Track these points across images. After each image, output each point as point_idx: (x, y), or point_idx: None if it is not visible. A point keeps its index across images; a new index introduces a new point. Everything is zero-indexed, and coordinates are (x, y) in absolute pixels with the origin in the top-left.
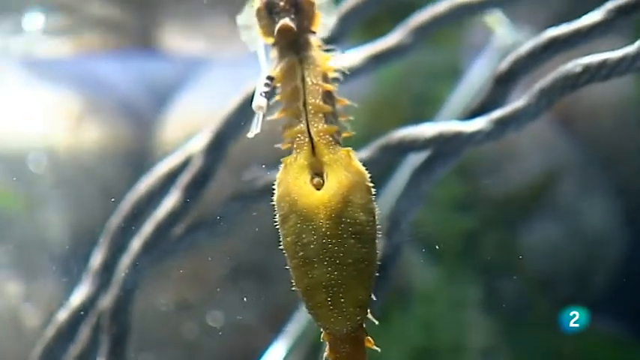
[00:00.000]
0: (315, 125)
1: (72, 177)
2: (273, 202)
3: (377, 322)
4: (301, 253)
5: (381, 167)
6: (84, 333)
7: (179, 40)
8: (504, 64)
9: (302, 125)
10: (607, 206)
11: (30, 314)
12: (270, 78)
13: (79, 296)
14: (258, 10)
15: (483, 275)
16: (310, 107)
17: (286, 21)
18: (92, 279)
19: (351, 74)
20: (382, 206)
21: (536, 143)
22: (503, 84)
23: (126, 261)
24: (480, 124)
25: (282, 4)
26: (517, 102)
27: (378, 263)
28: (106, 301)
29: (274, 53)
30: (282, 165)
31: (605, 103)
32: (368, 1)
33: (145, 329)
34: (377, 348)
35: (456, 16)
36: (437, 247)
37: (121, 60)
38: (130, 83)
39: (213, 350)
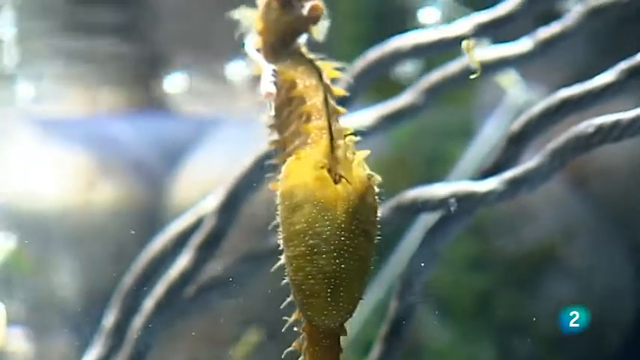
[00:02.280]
0: (334, 124)
1: (84, 236)
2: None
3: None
4: (311, 242)
5: (394, 227)
6: None
7: (191, 99)
8: (517, 124)
9: (320, 121)
10: (620, 265)
11: None
12: (274, 71)
13: (90, 358)
14: (268, 3)
15: (496, 335)
16: (329, 106)
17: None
18: (104, 340)
19: (362, 134)
20: (395, 266)
21: (549, 203)
22: (515, 144)
23: (138, 322)
24: (492, 184)
25: None
26: (530, 162)
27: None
28: None
29: (270, 48)
30: (295, 157)
31: (618, 163)
32: (379, 61)
33: None
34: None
35: (467, 76)
36: (450, 307)
37: (133, 119)
38: (142, 142)
39: None
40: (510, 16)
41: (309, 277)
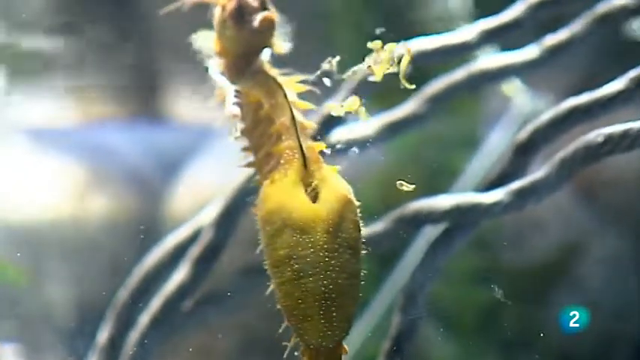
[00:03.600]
0: (304, 141)
1: (77, 249)
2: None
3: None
4: (296, 266)
5: (396, 240)
6: None
7: (188, 108)
8: (523, 134)
9: (291, 141)
10: (631, 279)
11: None
12: (237, 91)
13: None
14: (223, 22)
15: (503, 352)
16: (297, 123)
17: (268, 12)
18: (98, 356)
19: (364, 144)
20: (398, 280)
21: (557, 215)
22: (522, 154)
23: (133, 337)
24: (498, 195)
25: (255, 4)
26: (537, 173)
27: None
28: None
29: (233, 68)
30: (270, 181)
31: (628, 173)
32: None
33: None
34: None
35: (472, 84)
36: (454, 322)
37: (128, 128)
38: (138, 152)
39: None
40: (516, 23)
41: (300, 301)
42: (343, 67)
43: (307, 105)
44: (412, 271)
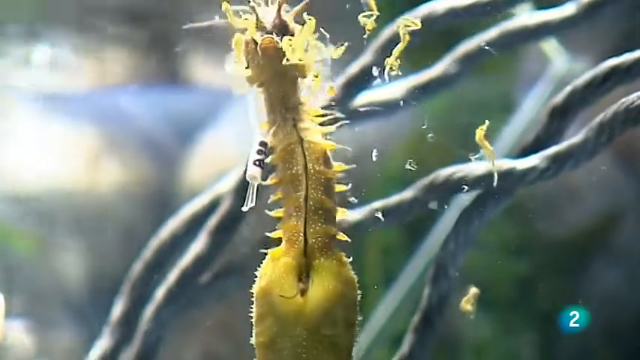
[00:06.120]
0: (313, 225)
1: (90, 220)
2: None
3: None
4: (271, 357)
5: (427, 209)
6: None
7: (205, 71)
8: (560, 97)
9: (299, 222)
10: None
11: None
12: (263, 144)
13: (98, 350)
14: (247, 45)
15: (539, 325)
16: (311, 203)
17: (269, 36)
18: (112, 331)
19: (393, 107)
20: (428, 251)
21: (596, 182)
22: (559, 118)
23: (149, 312)
24: (533, 161)
25: (270, 26)
26: (574, 137)
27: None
28: (128, 355)
29: (265, 107)
30: (269, 257)
31: None
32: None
33: None
34: None
35: (506, 43)
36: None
37: (143, 93)
38: (153, 118)
39: None
40: None
41: None
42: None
43: (331, 145)
44: (443, 241)
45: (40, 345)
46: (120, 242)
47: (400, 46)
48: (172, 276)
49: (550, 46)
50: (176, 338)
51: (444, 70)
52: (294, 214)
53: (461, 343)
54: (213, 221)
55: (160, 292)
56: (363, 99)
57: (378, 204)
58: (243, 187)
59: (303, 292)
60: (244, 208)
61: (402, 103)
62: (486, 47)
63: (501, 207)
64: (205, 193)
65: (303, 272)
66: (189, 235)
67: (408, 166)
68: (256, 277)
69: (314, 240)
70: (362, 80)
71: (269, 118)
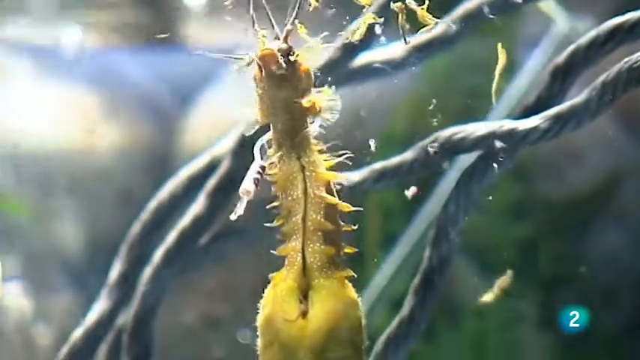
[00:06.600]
0: (312, 245)
1: (88, 181)
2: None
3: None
4: None
5: (429, 170)
6: (102, 353)
7: (204, 32)
8: (563, 57)
9: (297, 243)
10: None
11: (42, 332)
12: (262, 167)
13: (96, 312)
14: (255, 79)
15: (541, 288)
16: (310, 224)
17: (271, 46)
18: (110, 293)
19: (393, 68)
20: (429, 213)
21: (598, 143)
22: (561, 78)
23: (147, 273)
24: (535, 121)
25: (274, 53)
26: (577, 97)
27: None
28: (126, 317)
29: (271, 139)
30: (271, 283)
31: None
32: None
33: (168, 348)
34: None
35: (507, 3)
36: (489, 258)
37: (142, 54)
38: (152, 79)
39: None
40: None
41: None
42: None
43: (334, 176)
44: (444, 203)
45: (38, 307)
46: (118, 204)
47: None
48: (171, 237)
49: (550, 7)
50: (175, 300)
51: (442, 30)
52: (294, 236)
53: (462, 306)
54: (212, 182)
55: (159, 254)
56: (363, 59)
57: (378, 165)
58: (242, 148)
59: (304, 314)
60: (232, 217)
61: (402, 63)
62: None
63: (503, 169)
64: (204, 155)
65: (304, 293)
66: (188, 197)
67: (372, 147)
68: (258, 237)
69: (312, 259)
70: (362, 41)
71: (275, 151)
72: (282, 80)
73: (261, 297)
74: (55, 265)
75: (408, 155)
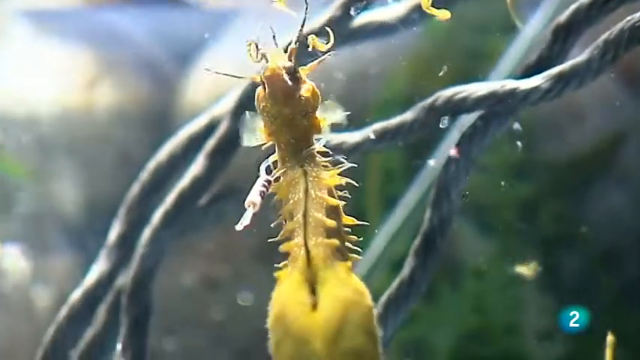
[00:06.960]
0: (314, 238)
1: (86, 142)
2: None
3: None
4: None
5: (429, 130)
6: (100, 314)
7: None
8: (565, 16)
9: (299, 238)
10: None
11: (41, 294)
12: (268, 181)
13: (95, 274)
14: (258, 97)
15: (542, 248)
16: (310, 219)
17: (276, 64)
18: (109, 254)
19: (394, 27)
20: (430, 174)
21: (600, 103)
22: (563, 37)
23: (146, 235)
24: (536, 81)
25: (280, 72)
26: (579, 57)
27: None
28: (125, 278)
29: (277, 158)
30: (278, 281)
31: None
32: None
33: (168, 310)
34: None
35: None
36: (490, 219)
37: (140, 11)
38: (150, 37)
39: (242, 332)
40: None
41: None
42: None
43: (335, 202)
44: (445, 164)
45: (37, 269)
46: (117, 165)
47: None
48: (170, 198)
49: None
50: (174, 262)
51: None
52: (296, 233)
53: (463, 266)
54: (211, 143)
55: (158, 215)
56: (363, 19)
57: (378, 125)
58: (241, 108)
59: (314, 306)
60: (238, 227)
61: (403, 22)
62: None
63: (503, 129)
64: (203, 115)
65: (312, 284)
66: (187, 158)
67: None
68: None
69: (316, 251)
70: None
71: (280, 169)
72: (287, 98)
73: (261, 259)
74: (54, 227)
75: (409, 115)
